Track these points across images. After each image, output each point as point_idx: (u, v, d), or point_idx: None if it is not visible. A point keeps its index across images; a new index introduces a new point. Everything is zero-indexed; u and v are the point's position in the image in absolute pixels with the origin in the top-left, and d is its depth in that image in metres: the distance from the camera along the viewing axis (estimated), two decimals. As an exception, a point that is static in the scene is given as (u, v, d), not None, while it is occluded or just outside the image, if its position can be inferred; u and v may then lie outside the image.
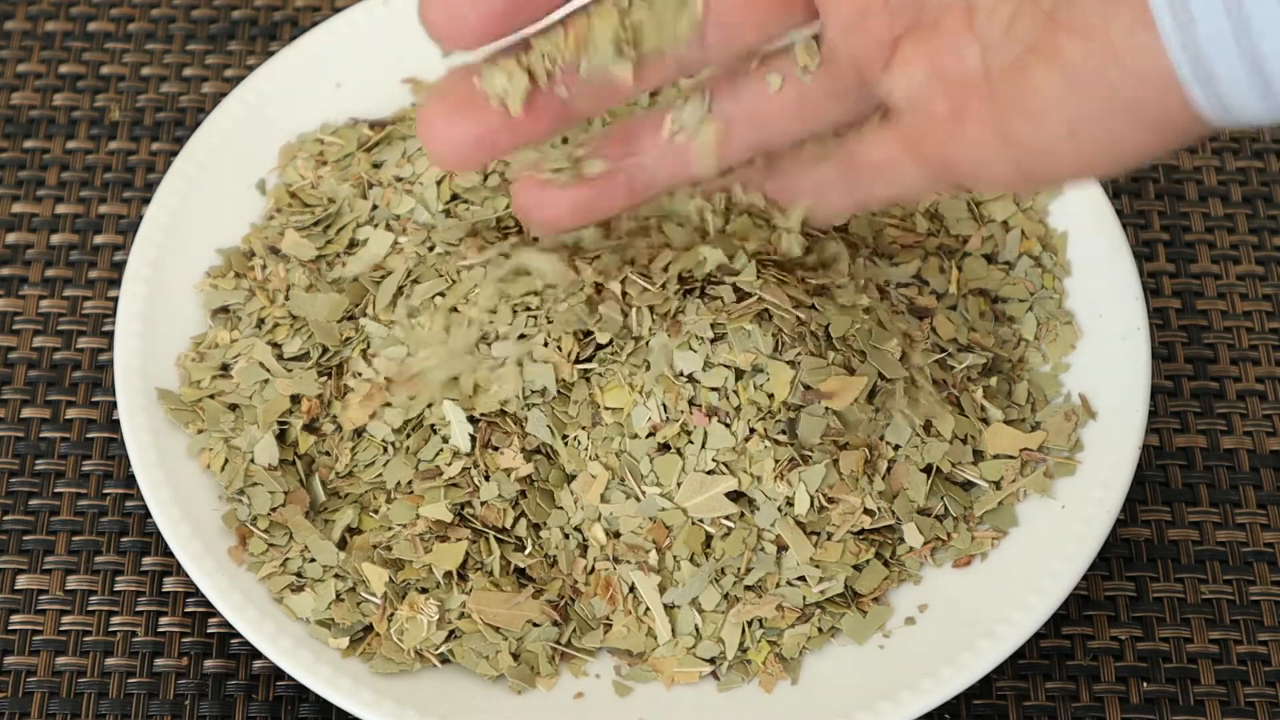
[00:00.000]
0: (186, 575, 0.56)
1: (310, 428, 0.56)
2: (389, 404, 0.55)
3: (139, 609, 0.57)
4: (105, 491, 0.59)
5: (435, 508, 0.54)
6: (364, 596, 0.54)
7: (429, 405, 0.55)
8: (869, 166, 0.48)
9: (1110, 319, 0.58)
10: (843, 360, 0.54)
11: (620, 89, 0.47)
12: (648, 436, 0.53)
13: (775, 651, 0.53)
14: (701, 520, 0.53)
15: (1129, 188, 0.66)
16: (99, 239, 0.64)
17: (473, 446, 0.54)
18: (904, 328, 0.57)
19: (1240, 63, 0.39)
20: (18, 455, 0.60)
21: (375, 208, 0.60)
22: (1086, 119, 0.42)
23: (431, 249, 0.58)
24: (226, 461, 0.56)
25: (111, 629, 0.57)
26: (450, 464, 0.54)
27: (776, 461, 0.53)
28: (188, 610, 0.57)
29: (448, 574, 0.53)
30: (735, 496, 0.53)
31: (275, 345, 0.57)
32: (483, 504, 0.54)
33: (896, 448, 0.55)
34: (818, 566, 0.53)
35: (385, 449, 0.55)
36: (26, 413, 0.61)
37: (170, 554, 0.57)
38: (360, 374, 0.56)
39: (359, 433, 0.56)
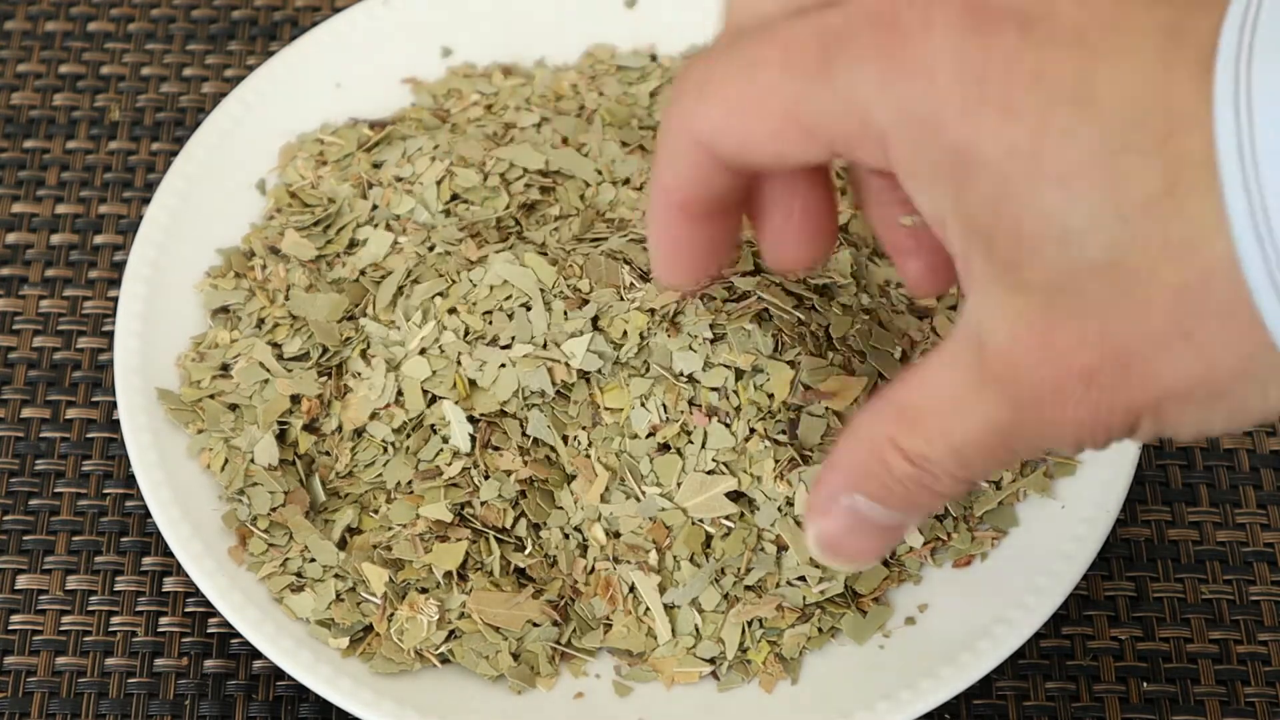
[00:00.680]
0: (186, 575, 0.56)
1: (310, 428, 0.56)
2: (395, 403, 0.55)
3: (139, 609, 0.57)
4: (105, 491, 0.59)
5: (435, 508, 0.54)
6: (364, 596, 0.53)
7: (429, 405, 0.55)
8: None
9: (1110, 319, 0.58)
10: (843, 360, 0.54)
11: None
12: (648, 436, 0.53)
13: (775, 651, 0.53)
14: (701, 520, 0.53)
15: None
16: (99, 239, 0.64)
17: (472, 447, 0.54)
18: (904, 328, 0.57)
19: None
20: (18, 455, 0.60)
21: (375, 208, 0.60)
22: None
23: (431, 249, 0.58)
24: (226, 461, 0.56)
25: (111, 629, 0.57)
26: (450, 464, 0.54)
27: (776, 461, 0.53)
28: (188, 610, 0.57)
29: (448, 574, 0.53)
30: (735, 496, 0.53)
31: (275, 345, 0.57)
32: (483, 504, 0.54)
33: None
34: (817, 567, 0.53)
35: (385, 449, 0.55)
36: (26, 413, 0.61)
37: (170, 554, 0.57)
38: (359, 374, 0.56)
39: (359, 433, 0.56)
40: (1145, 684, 0.56)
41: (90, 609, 0.57)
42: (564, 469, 0.54)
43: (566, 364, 0.53)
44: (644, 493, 0.53)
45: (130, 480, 0.59)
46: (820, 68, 0.38)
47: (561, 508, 0.54)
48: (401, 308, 0.56)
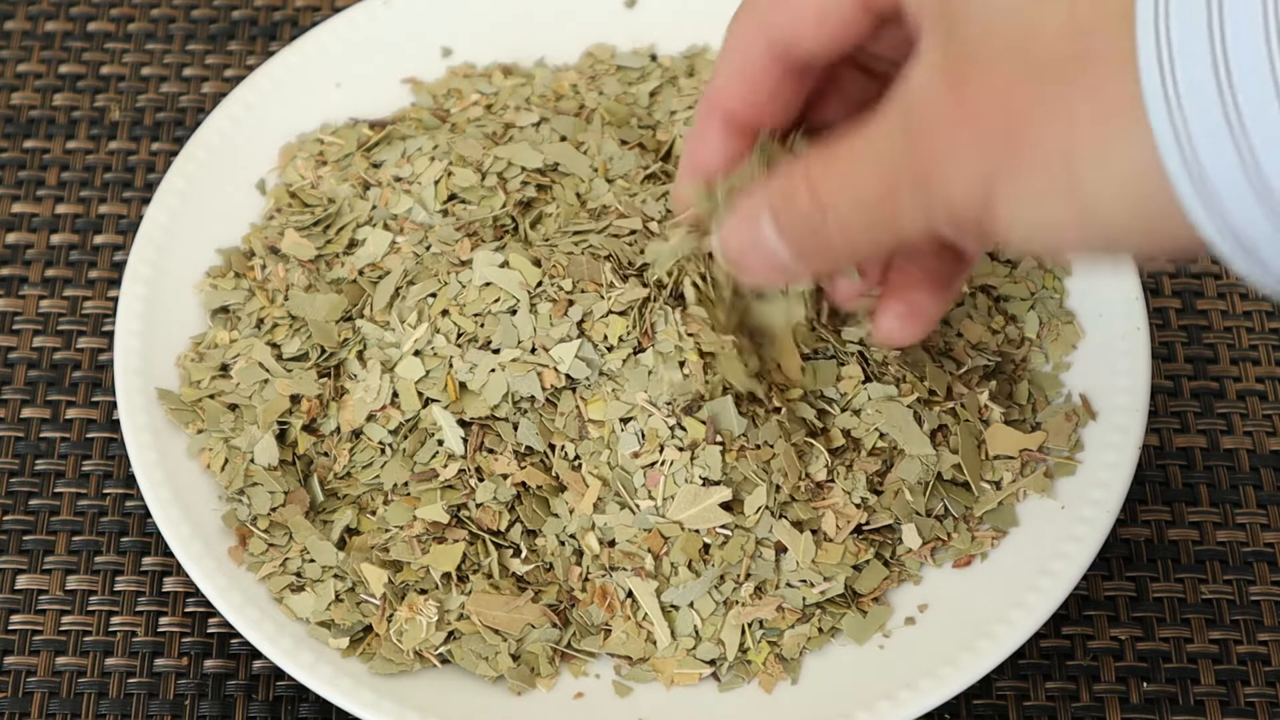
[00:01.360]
0: (186, 575, 0.56)
1: (309, 428, 0.56)
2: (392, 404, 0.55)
3: (139, 609, 0.57)
4: (105, 491, 0.59)
5: (431, 509, 0.54)
6: (364, 597, 0.53)
7: (424, 406, 0.55)
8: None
9: (1110, 319, 0.58)
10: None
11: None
12: (634, 457, 0.53)
13: (775, 652, 0.53)
14: (698, 530, 0.53)
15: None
16: (99, 239, 0.64)
17: (465, 449, 0.54)
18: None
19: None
20: (18, 455, 0.60)
21: (374, 208, 0.60)
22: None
23: (428, 249, 0.58)
24: (226, 461, 0.56)
25: (111, 629, 0.57)
26: (446, 466, 0.54)
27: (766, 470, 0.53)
28: (188, 610, 0.57)
29: (446, 575, 0.53)
30: (729, 506, 0.53)
31: (274, 345, 0.57)
32: (478, 506, 0.54)
33: (896, 449, 0.55)
34: (817, 568, 0.53)
35: (382, 450, 0.55)
36: (26, 413, 0.61)
37: (170, 554, 0.57)
38: (355, 376, 0.56)
39: (357, 434, 0.56)
40: (1145, 684, 0.56)
41: (90, 609, 0.57)
42: (557, 477, 0.54)
43: (556, 369, 0.53)
44: (638, 506, 0.53)
45: (130, 480, 0.59)
46: None
47: (557, 515, 0.54)
48: (397, 309, 0.56)
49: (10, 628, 0.57)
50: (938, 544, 0.55)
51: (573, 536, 0.54)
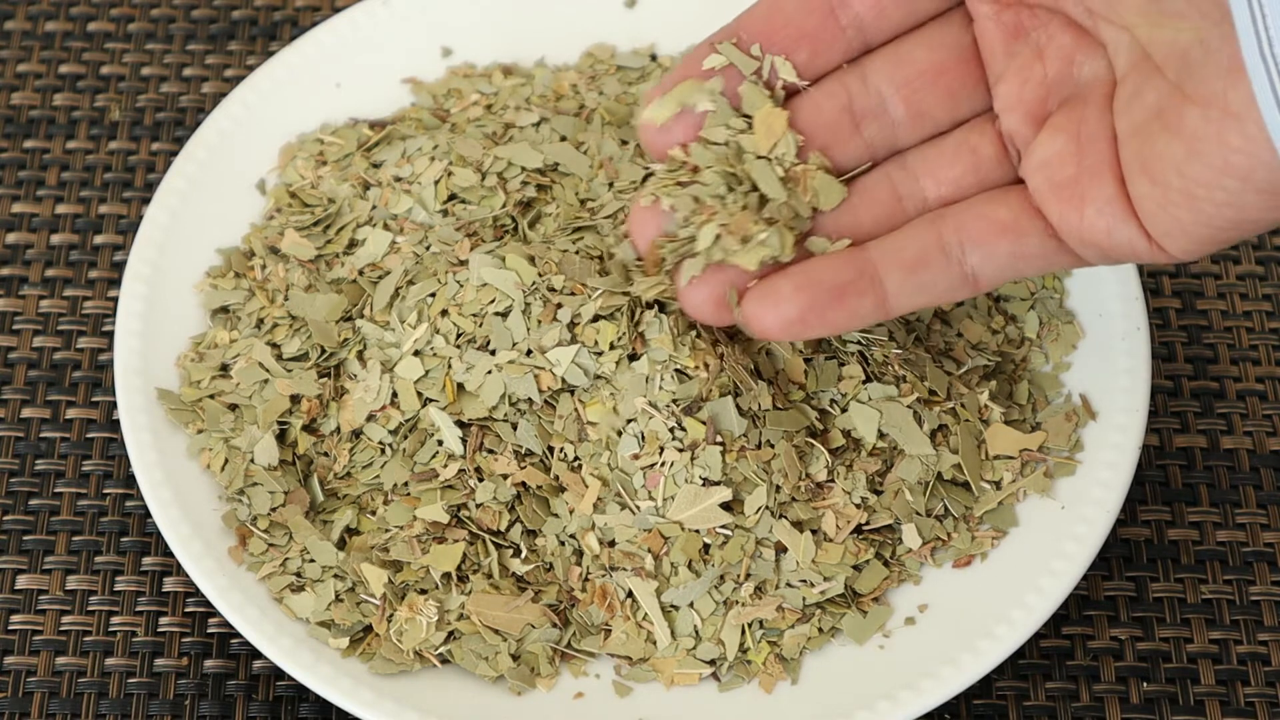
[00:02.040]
0: (186, 575, 0.56)
1: (309, 428, 0.56)
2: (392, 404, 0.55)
3: (139, 609, 0.57)
4: (105, 491, 0.59)
5: (431, 509, 0.54)
6: (364, 597, 0.53)
7: (423, 406, 0.55)
8: (990, 224, 0.49)
9: (1110, 319, 0.58)
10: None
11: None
12: (634, 459, 0.53)
13: (775, 652, 0.53)
14: (698, 530, 0.53)
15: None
16: (99, 239, 0.65)
17: (464, 450, 0.54)
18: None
19: None
20: (18, 455, 0.60)
21: (374, 208, 0.60)
22: (1205, 184, 0.43)
23: (428, 249, 0.58)
24: (226, 461, 0.56)
25: (111, 629, 0.57)
26: (446, 466, 0.54)
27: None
28: (188, 610, 0.57)
29: (446, 575, 0.53)
30: (729, 506, 0.53)
31: (274, 345, 0.57)
32: (478, 506, 0.54)
33: (896, 449, 0.55)
34: (817, 568, 0.53)
35: (382, 450, 0.55)
36: (26, 413, 0.61)
37: (170, 554, 0.57)
38: (355, 376, 0.56)
39: (356, 434, 0.56)
40: (1145, 684, 0.56)
41: (90, 609, 0.57)
42: (557, 478, 0.54)
43: (553, 371, 0.53)
44: (638, 507, 0.53)
45: (130, 480, 0.59)
46: None
47: (557, 515, 0.54)
48: (396, 309, 0.56)
49: (10, 628, 0.57)
50: (938, 544, 0.55)
51: (573, 536, 0.54)
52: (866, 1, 0.49)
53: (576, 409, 0.54)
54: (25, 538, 0.58)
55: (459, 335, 0.55)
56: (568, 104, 0.63)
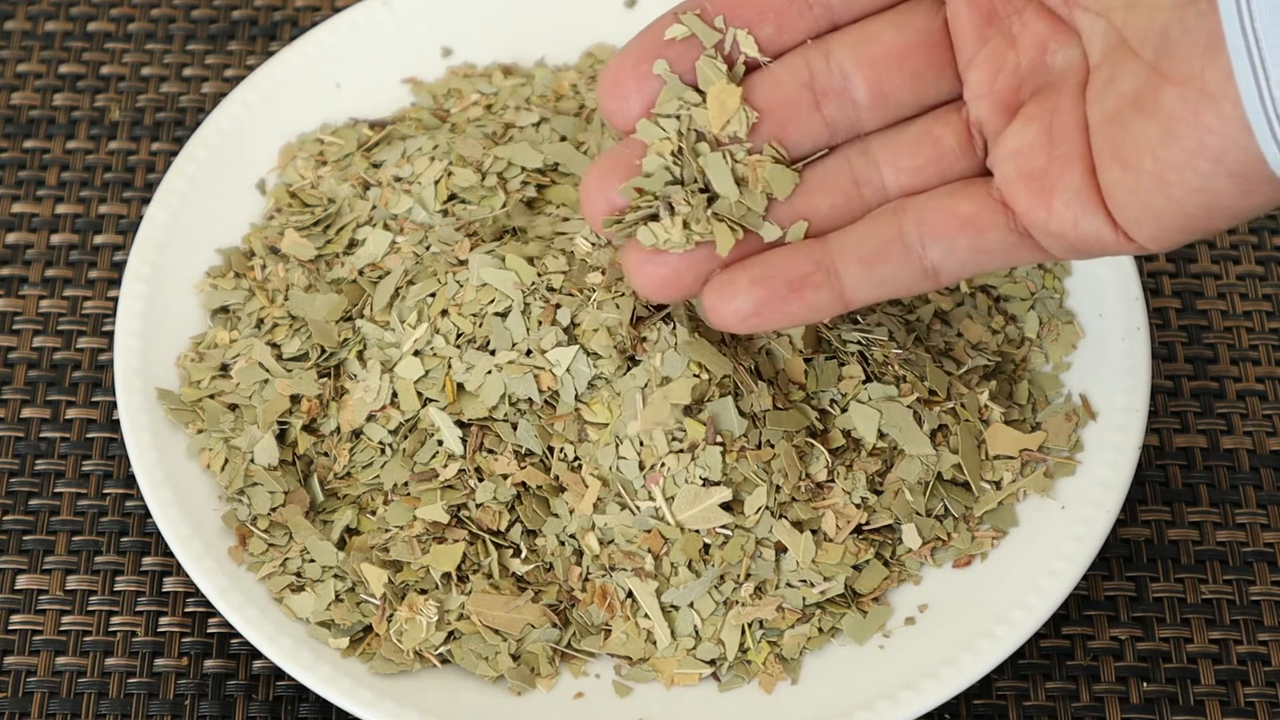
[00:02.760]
0: (186, 575, 0.56)
1: (309, 428, 0.56)
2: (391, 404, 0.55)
3: (139, 609, 0.57)
4: (105, 491, 0.59)
5: (431, 509, 0.54)
6: (364, 597, 0.53)
7: (423, 406, 0.55)
8: (951, 218, 0.48)
9: (1110, 319, 0.58)
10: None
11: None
12: (634, 458, 0.53)
13: (775, 652, 0.53)
14: (698, 530, 0.53)
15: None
16: (99, 239, 0.65)
17: (464, 450, 0.54)
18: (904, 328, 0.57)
19: None
20: (18, 455, 0.60)
21: (374, 208, 0.60)
22: (1178, 166, 0.43)
23: (428, 249, 0.58)
24: (226, 461, 0.56)
25: (111, 629, 0.57)
26: (446, 466, 0.54)
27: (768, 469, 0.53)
28: (188, 610, 0.57)
29: (446, 575, 0.53)
30: (730, 506, 0.53)
31: (274, 345, 0.57)
32: (478, 506, 0.54)
33: (896, 449, 0.55)
34: (817, 568, 0.53)
35: (382, 450, 0.55)
36: (26, 413, 0.61)
37: (170, 554, 0.57)
38: (355, 376, 0.56)
39: (356, 434, 0.56)
40: (1145, 684, 0.56)
41: (90, 609, 0.57)
42: (557, 478, 0.54)
43: (552, 371, 0.53)
44: (638, 507, 0.53)
45: (130, 480, 0.59)
46: None
47: (556, 515, 0.54)
48: (396, 309, 0.56)
49: (10, 628, 0.57)
50: (938, 544, 0.55)
51: (573, 536, 0.54)
52: None
53: (577, 409, 0.54)
54: (25, 538, 0.58)
55: (459, 335, 0.55)
56: (568, 104, 0.63)
